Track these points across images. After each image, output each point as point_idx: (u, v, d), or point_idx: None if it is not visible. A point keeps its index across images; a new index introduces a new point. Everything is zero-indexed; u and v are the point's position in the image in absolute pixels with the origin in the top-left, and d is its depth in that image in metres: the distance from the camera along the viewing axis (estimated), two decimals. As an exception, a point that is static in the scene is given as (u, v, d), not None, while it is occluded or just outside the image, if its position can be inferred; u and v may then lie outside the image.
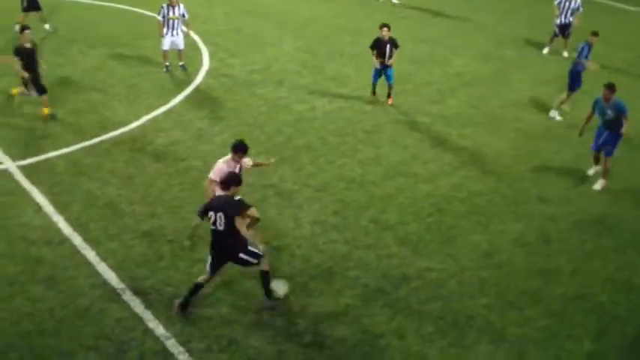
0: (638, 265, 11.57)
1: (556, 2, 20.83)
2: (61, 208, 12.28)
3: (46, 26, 20.51)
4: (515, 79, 19.27)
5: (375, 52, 16.67)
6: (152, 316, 9.88)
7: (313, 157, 14.42)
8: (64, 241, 11.45)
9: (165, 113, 16.12)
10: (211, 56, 19.61)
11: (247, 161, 10.99)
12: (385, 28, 16.56)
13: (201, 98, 17.03)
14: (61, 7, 22.33)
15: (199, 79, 18.11)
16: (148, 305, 10.07)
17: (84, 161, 13.88)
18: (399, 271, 11.10)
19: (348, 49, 20.67)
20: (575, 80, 16.67)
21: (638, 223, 12.75)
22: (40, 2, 20.40)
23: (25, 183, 13.01)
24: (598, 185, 13.78)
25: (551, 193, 13.52)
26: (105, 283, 10.51)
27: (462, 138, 15.61)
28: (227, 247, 9.66)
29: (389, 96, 17.05)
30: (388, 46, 16.55)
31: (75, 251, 11.21)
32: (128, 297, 10.23)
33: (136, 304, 10.08)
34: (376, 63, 16.71)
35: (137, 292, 10.33)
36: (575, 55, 16.91)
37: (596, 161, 14.12)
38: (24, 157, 13.88)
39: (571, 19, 20.69)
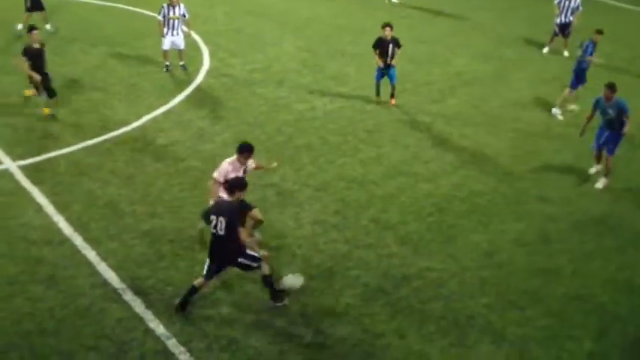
0: (639, 265, 11.56)
1: (556, 1, 20.82)
2: (61, 208, 12.28)
3: (47, 26, 20.50)
4: (515, 78, 19.26)
5: (377, 51, 16.61)
6: (153, 315, 9.88)
7: (314, 157, 14.42)
8: (65, 241, 11.45)
9: (165, 113, 16.12)
10: (212, 56, 19.61)
11: (250, 163, 10.98)
12: (388, 28, 16.50)
13: (202, 98, 17.03)
14: (61, 7, 22.32)
15: (200, 78, 18.11)
16: (149, 305, 10.07)
17: (84, 161, 13.88)
18: (400, 271, 11.10)
19: (348, 49, 20.66)
20: (578, 78, 16.71)
21: (638, 222, 12.74)
22: (44, 2, 20.41)
23: (26, 183, 13.01)
24: (600, 184, 13.78)
25: (551, 193, 13.52)
26: (105, 283, 10.51)
27: (462, 137, 15.61)
28: (226, 251, 9.64)
29: (392, 96, 17.01)
30: (391, 45, 16.50)
31: (75, 251, 11.21)
32: (129, 297, 10.23)
33: (137, 304, 10.08)
34: (379, 62, 16.66)
35: (138, 291, 10.32)
36: (575, 53, 16.94)
37: (598, 160, 14.12)
38: (24, 157, 13.88)
39: (571, 18, 20.68)
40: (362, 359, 9.41)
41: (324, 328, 9.86)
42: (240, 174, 10.63)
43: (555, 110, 16.90)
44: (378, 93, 17.12)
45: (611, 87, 13.41)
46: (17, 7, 20.91)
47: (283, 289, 10.13)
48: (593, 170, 14.19)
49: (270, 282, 9.97)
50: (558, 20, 20.77)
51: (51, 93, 15.36)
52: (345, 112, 16.55)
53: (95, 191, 12.85)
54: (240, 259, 9.69)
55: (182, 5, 18.07)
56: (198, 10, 22.04)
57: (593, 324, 10.17)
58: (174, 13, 17.92)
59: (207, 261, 9.84)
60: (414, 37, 21.46)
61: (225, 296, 10.31)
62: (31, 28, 15.43)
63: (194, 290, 9.87)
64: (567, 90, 16.90)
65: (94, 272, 10.73)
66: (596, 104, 13.77)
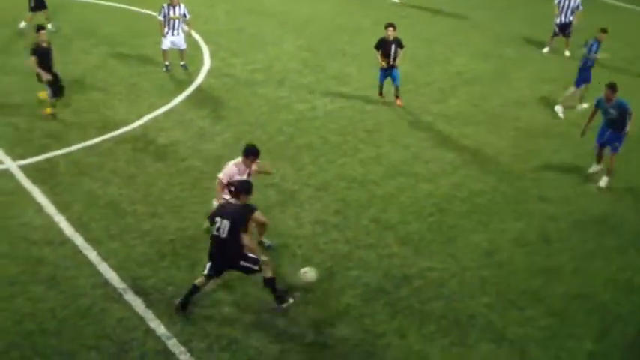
0: (639, 265, 11.57)
1: (556, 1, 20.80)
2: (62, 208, 12.29)
3: (49, 26, 20.46)
4: (515, 77, 19.27)
5: (380, 52, 16.58)
6: (153, 315, 9.89)
7: (314, 157, 14.42)
8: (66, 241, 11.46)
9: (166, 113, 16.12)
10: (212, 55, 19.61)
11: (253, 167, 10.95)
12: (391, 28, 16.44)
13: (203, 98, 17.04)
14: (62, 6, 22.31)
15: (200, 78, 18.10)
16: (150, 305, 10.08)
17: (85, 161, 13.89)
18: (400, 271, 11.11)
19: (349, 48, 20.66)
20: (583, 76, 16.75)
21: (639, 222, 12.74)
22: (46, 1, 20.44)
23: (27, 183, 13.02)
24: (602, 183, 13.79)
25: (551, 193, 13.53)
26: (106, 283, 10.52)
27: (462, 137, 15.62)
28: (227, 254, 9.62)
29: (397, 97, 16.95)
30: (393, 46, 16.45)
31: (76, 251, 11.22)
32: (129, 297, 10.24)
33: (138, 304, 10.10)
34: (382, 63, 16.59)
35: (138, 291, 10.34)
36: (581, 52, 16.97)
37: (598, 160, 14.13)
38: (25, 157, 13.88)
39: (571, 17, 20.66)
40: (363, 359, 9.43)
41: (325, 327, 9.88)
42: (245, 176, 10.61)
43: (558, 107, 16.93)
44: (381, 93, 17.09)
45: (612, 87, 13.43)
46: (17, 7, 20.95)
47: (285, 290, 10.14)
48: (592, 170, 14.20)
49: (272, 285, 9.95)
50: (558, 20, 20.75)
51: (58, 92, 15.41)
52: (346, 112, 16.55)
53: (96, 191, 12.87)
54: (241, 262, 9.68)
55: (182, 5, 18.05)
56: (199, 10, 22.04)
57: (593, 323, 10.18)
58: (174, 12, 17.91)
59: (208, 264, 9.83)
60: (413, 36, 21.41)
61: (226, 296, 10.32)
62: (39, 28, 15.56)
63: (195, 289, 9.88)
64: (572, 88, 16.95)
65: (95, 272, 10.74)
66: (598, 104, 13.80)
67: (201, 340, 9.51)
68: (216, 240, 9.61)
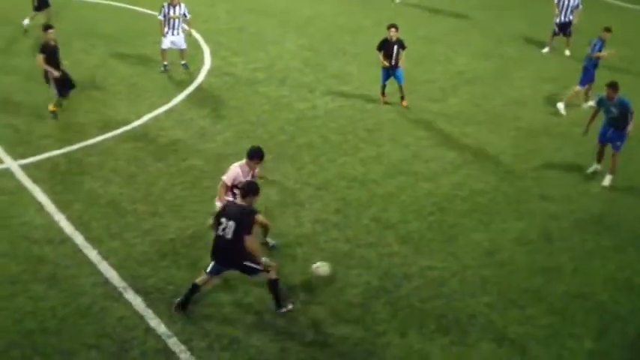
0: (638, 265, 11.55)
1: (555, 1, 20.79)
2: (62, 206, 12.29)
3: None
4: (516, 77, 19.25)
5: (382, 53, 16.56)
6: (154, 314, 9.89)
7: (315, 156, 14.42)
8: (66, 240, 11.47)
9: (166, 112, 16.12)
10: (213, 55, 19.62)
11: (257, 168, 10.92)
12: (393, 29, 16.41)
13: (203, 97, 17.04)
14: (62, 6, 22.31)
15: (201, 77, 18.11)
16: (150, 304, 10.08)
17: (86, 160, 13.90)
18: (401, 270, 11.11)
19: (350, 48, 20.65)
20: (588, 76, 16.75)
21: (638, 221, 12.73)
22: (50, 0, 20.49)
23: (27, 182, 13.03)
24: (606, 181, 13.78)
25: (552, 192, 13.52)
26: (106, 282, 10.52)
27: (463, 136, 15.61)
28: (231, 255, 9.57)
29: (402, 98, 16.89)
30: (395, 47, 16.41)
31: (77, 250, 11.23)
32: (130, 296, 10.24)
33: (138, 303, 10.10)
34: (384, 64, 16.54)
35: (139, 290, 10.34)
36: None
37: (599, 159, 14.11)
38: (25, 156, 13.90)
39: (571, 17, 20.65)
40: (363, 358, 9.42)
41: (325, 326, 9.87)
42: (249, 178, 10.55)
43: (560, 104, 16.94)
44: (383, 93, 17.06)
45: (613, 86, 13.44)
46: (17, 7, 20.99)
47: (286, 296, 10.12)
48: (591, 169, 14.19)
49: (276, 287, 9.91)
50: (558, 20, 20.73)
51: (64, 92, 15.46)
52: (346, 111, 16.55)
53: (96, 190, 12.87)
54: (245, 263, 9.65)
55: (183, 5, 18.05)
56: (199, 9, 22.05)
57: (593, 323, 10.17)
58: (174, 12, 17.91)
59: (212, 264, 9.81)
60: (414, 35, 21.40)
61: (227, 295, 10.32)
62: (47, 27, 15.66)
63: (195, 289, 9.87)
64: (577, 87, 16.96)
65: (95, 271, 10.75)
66: (600, 103, 13.81)
67: (202, 339, 9.51)
68: (221, 240, 9.55)
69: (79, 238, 11.48)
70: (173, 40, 18.08)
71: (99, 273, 10.70)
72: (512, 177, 14.02)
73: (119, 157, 14.04)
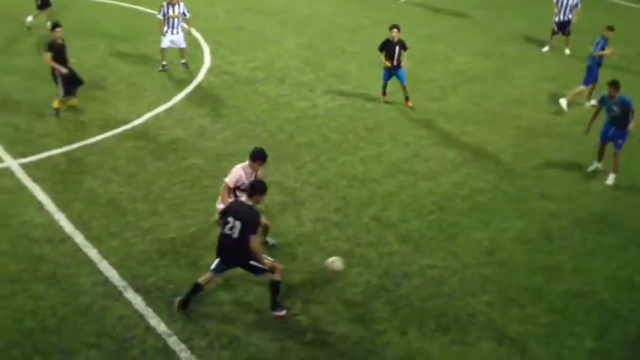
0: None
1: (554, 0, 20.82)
2: (62, 206, 12.28)
3: (48, 24, 20.49)
4: (516, 76, 19.26)
5: (384, 53, 16.53)
6: (154, 313, 9.88)
7: (315, 155, 14.42)
8: (66, 239, 11.46)
9: (166, 111, 16.12)
10: (213, 54, 19.61)
11: (260, 170, 10.88)
12: (395, 30, 16.38)
13: (203, 96, 17.03)
14: (63, 5, 22.30)
15: (201, 76, 18.10)
16: (150, 303, 10.07)
17: (86, 159, 13.89)
18: (401, 269, 11.10)
19: (349, 47, 20.65)
20: (592, 76, 16.77)
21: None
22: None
23: (27, 181, 13.02)
24: (610, 180, 13.78)
25: (552, 190, 13.51)
26: (106, 281, 10.51)
27: (463, 135, 15.60)
28: (237, 253, 9.54)
29: (407, 99, 16.85)
30: (397, 47, 16.39)
31: (77, 249, 11.22)
32: (130, 295, 10.23)
33: (138, 302, 10.09)
34: (386, 64, 16.50)
35: (139, 289, 10.33)
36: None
37: (600, 157, 14.11)
38: (25, 155, 13.89)
39: (570, 16, 20.65)
40: (363, 357, 9.42)
41: (325, 325, 9.86)
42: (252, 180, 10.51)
43: (562, 100, 16.96)
44: (384, 92, 17.04)
45: (615, 85, 13.46)
46: (17, 7, 20.97)
47: (283, 300, 10.11)
48: (591, 168, 14.19)
49: (277, 289, 9.87)
50: (557, 18, 20.73)
51: (71, 90, 15.49)
52: (346, 110, 16.55)
53: (96, 189, 12.86)
54: (251, 262, 9.61)
55: (182, 4, 18.05)
56: (198, 8, 22.06)
57: (594, 321, 10.16)
58: (174, 11, 17.90)
59: (216, 261, 9.79)
60: (414, 34, 21.41)
61: (227, 294, 10.31)
62: (54, 25, 15.70)
63: (198, 288, 9.85)
64: (581, 87, 16.98)
65: (95, 270, 10.74)
66: (601, 101, 13.83)
67: (202, 338, 9.50)
68: (227, 239, 9.52)
69: (79, 237, 11.47)
70: (172, 39, 18.08)
71: (99, 272, 10.69)
72: (512, 176, 14.02)
73: (119, 156, 14.03)
